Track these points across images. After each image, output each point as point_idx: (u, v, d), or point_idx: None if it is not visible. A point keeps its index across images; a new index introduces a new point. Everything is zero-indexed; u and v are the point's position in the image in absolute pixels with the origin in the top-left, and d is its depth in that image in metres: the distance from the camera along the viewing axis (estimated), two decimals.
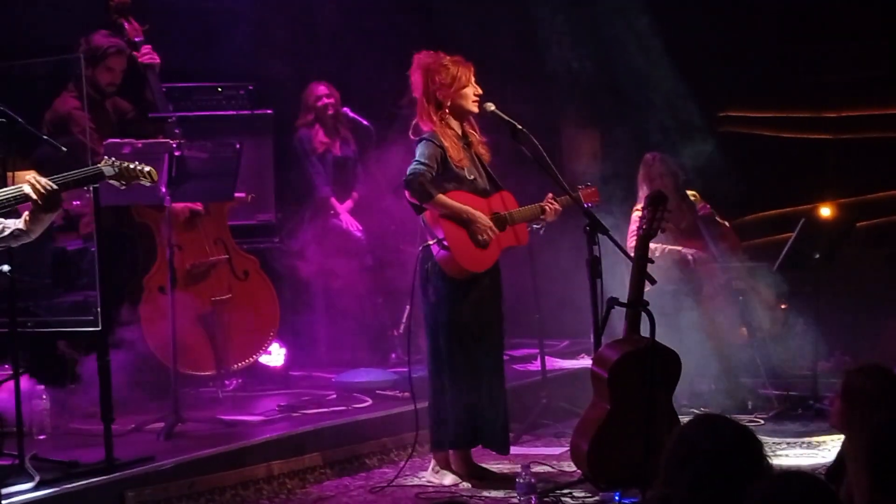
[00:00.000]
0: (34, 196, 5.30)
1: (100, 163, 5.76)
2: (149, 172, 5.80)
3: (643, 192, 8.72)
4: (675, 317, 8.61)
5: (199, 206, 8.10)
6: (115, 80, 8.24)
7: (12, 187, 5.58)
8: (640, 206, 8.69)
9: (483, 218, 6.74)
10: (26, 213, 5.49)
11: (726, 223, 9.28)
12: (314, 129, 9.55)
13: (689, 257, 8.87)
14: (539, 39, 10.54)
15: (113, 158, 5.76)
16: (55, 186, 5.30)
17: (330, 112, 9.49)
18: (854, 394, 3.91)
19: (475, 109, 6.89)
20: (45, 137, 7.06)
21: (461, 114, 6.87)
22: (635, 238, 8.22)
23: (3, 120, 6.14)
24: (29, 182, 5.31)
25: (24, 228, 5.41)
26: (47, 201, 5.30)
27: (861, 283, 10.18)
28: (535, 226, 7.04)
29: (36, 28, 8.58)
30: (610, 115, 11.03)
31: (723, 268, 8.97)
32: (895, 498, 3.52)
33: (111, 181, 5.70)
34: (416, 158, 6.69)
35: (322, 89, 9.51)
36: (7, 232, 5.45)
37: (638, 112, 10.55)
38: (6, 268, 6.02)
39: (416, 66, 6.87)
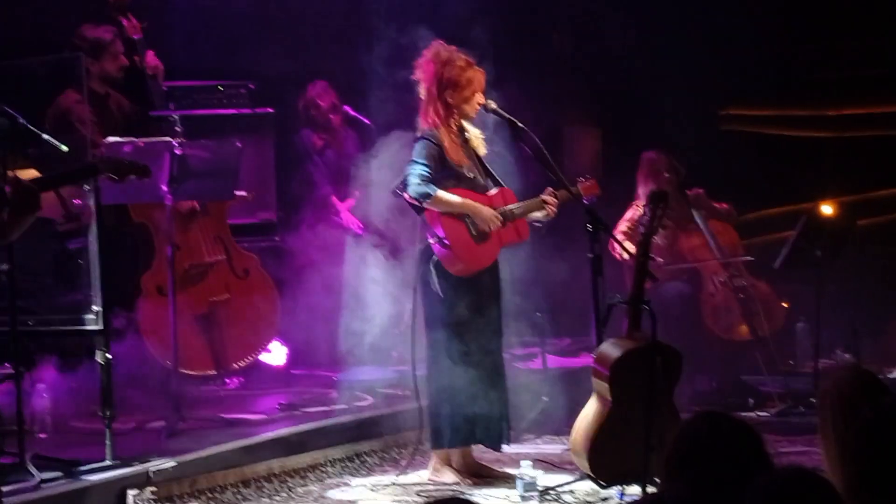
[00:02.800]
0: (12, 196, 5.22)
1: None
2: (143, 167, 5.74)
3: (643, 189, 8.70)
4: (675, 314, 8.63)
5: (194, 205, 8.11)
6: (124, 63, 8.25)
7: None
8: (638, 203, 8.69)
9: (485, 208, 6.73)
10: (3, 213, 5.43)
11: (724, 205, 9.25)
12: (313, 127, 9.56)
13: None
14: (540, 36, 10.54)
15: (107, 155, 5.72)
16: (33, 187, 5.21)
17: (325, 111, 9.48)
18: (823, 397, 3.89)
19: (474, 116, 6.87)
20: (45, 136, 7.06)
21: (463, 115, 6.85)
22: (621, 234, 8.28)
23: (1, 118, 6.12)
24: (10, 182, 5.25)
25: None
26: (22, 202, 5.20)
27: (862, 281, 10.17)
28: (536, 224, 7.02)
29: (35, 26, 8.57)
30: (611, 113, 11.03)
31: (724, 265, 8.96)
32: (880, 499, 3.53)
33: (105, 176, 5.65)
34: (414, 158, 6.68)
35: (318, 89, 9.51)
36: None
37: (639, 110, 10.55)
38: (6, 266, 6.01)
39: (431, 58, 6.79)
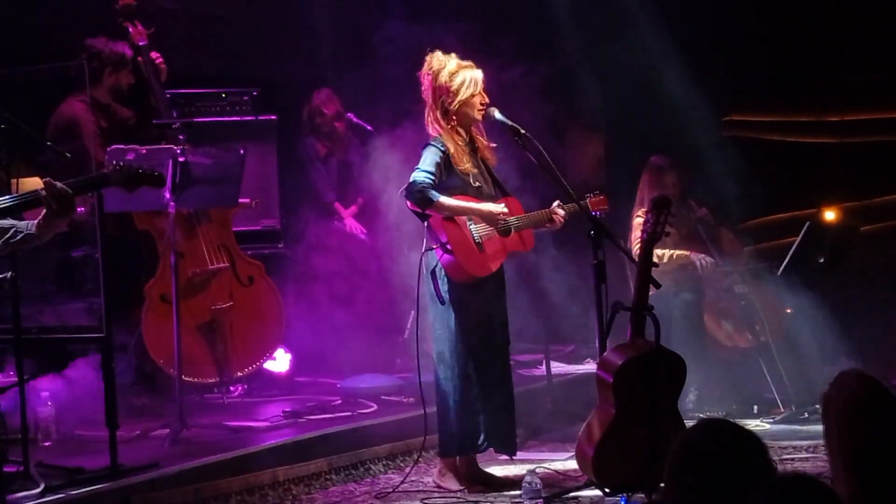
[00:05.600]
0: (49, 200, 5.28)
1: (106, 168, 5.75)
2: (157, 177, 5.75)
3: (647, 195, 8.65)
4: (678, 321, 8.63)
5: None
6: (132, 81, 8.30)
7: (28, 191, 5.57)
8: (641, 211, 8.66)
9: (488, 206, 6.72)
10: (39, 217, 5.48)
11: (722, 229, 9.23)
12: (317, 135, 9.58)
13: (698, 263, 8.77)
14: (543, 43, 10.54)
15: (120, 163, 5.73)
16: (69, 190, 5.28)
17: (330, 118, 9.50)
18: (828, 404, 3.89)
19: (479, 118, 6.86)
20: (48, 144, 7.07)
21: (466, 121, 6.85)
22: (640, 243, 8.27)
23: (5, 126, 6.13)
24: (44, 185, 5.29)
25: (35, 232, 5.40)
26: (61, 205, 5.27)
27: (866, 287, 10.17)
28: (538, 230, 7.03)
29: (41, 33, 8.59)
30: (614, 118, 11.03)
31: (726, 272, 8.95)
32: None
33: (117, 185, 5.67)
34: (419, 165, 6.69)
35: (322, 96, 9.53)
36: (19, 236, 5.44)
37: (642, 115, 10.55)
38: (9, 274, 6.02)
39: (426, 68, 6.85)
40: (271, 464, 6.81)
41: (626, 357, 6.39)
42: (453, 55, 6.85)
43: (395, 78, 8.92)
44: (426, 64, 6.85)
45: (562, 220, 6.96)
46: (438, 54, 6.84)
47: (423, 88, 6.86)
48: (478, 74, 6.81)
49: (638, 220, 8.68)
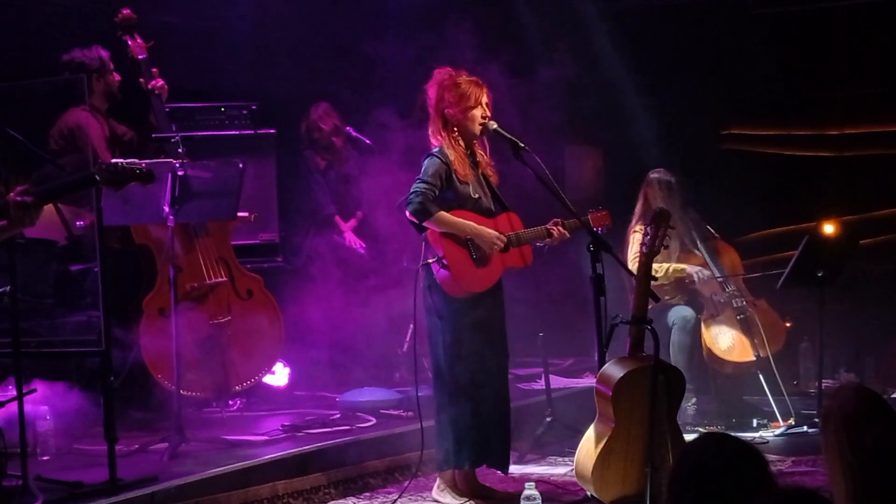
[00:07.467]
0: (14, 213, 5.21)
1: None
2: (144, 173, 5.69)
3: (646, 209, 8.65)
4: (676, 334, 8.62)
5: None
6: (119, 79, 8.33)
7: None
8: (639, 225, 8.66)
9: (487, 230, 6.71)
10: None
11: (721, 242, 9.22)
12: (315, 149, 9.59)
13: (695, 276, 8.78)
14: (540, 57, 10.56)
15: (105, 163, 5.67)
16: (27, 201, 5.22)
17: (327, 133, 9.51)
18: (827, 417, 3.88)
19: (478, 132, 6.86)
20: (47, 157, 7.06)
21: (466, 133, 6.85)
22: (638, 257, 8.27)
23: (2, 140, 6.12)
24: (10, 202, 5.24)
25: None
26: (17, 214, 5.21)
27: (864, 301, 10.18)
28: (538, 244, 7.00)
29: (39, 46, 8.59)
30: (612, 132, 11.05)
31: (725, 285, 8.95)
32: None
33: (105, 185, 5.61)
34: (420, 176, 6.69)
35: (320, 111, 9.54)
36: None
37: (640, 129, 10.57)
38: (7, 288, 6.01)
39: (433, 81, 6.87)
40: (270, 478, 6.79)
41: (626, 370, 6.39)
42: (462, 71, 6.87)
43: (394, 90, 8.95)
44: (434, 75, 6.87)
45: (561, 235, 6.91)
46: (448, 68, 6.86)
47: (428, 99, 6.87)
48: (481, 88, 6.82)
49: (636, 235, 8.68)
